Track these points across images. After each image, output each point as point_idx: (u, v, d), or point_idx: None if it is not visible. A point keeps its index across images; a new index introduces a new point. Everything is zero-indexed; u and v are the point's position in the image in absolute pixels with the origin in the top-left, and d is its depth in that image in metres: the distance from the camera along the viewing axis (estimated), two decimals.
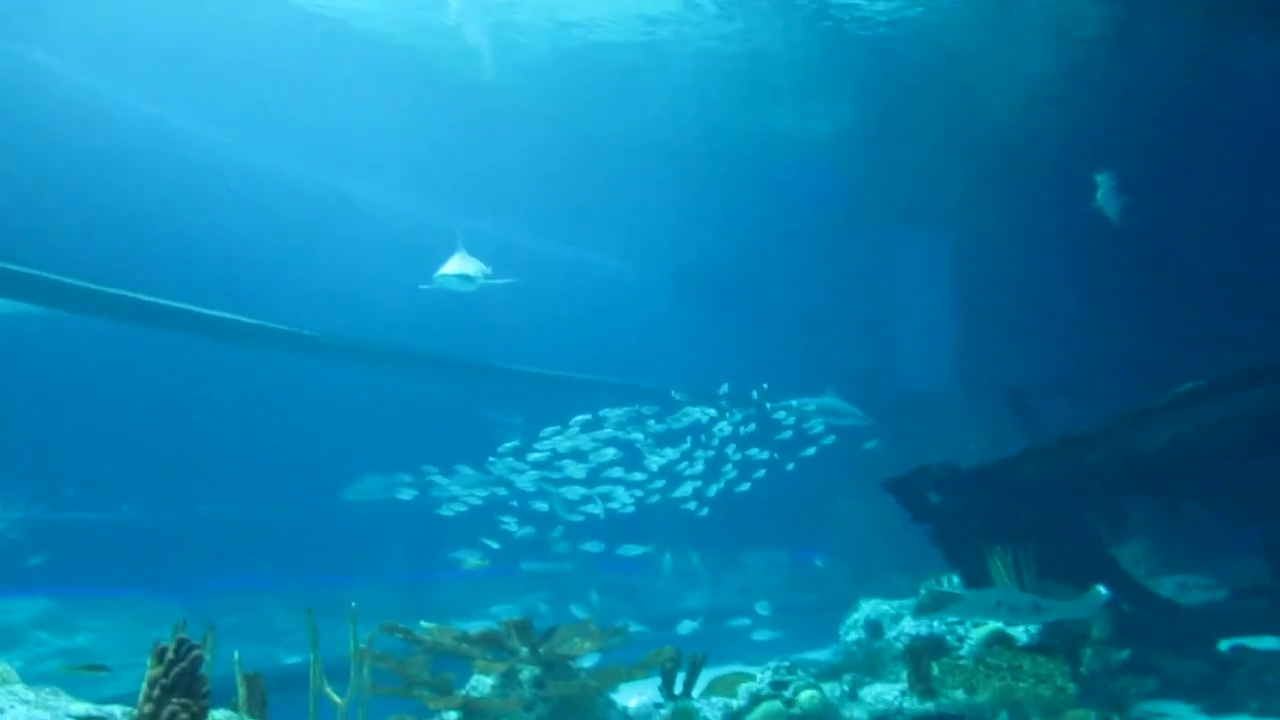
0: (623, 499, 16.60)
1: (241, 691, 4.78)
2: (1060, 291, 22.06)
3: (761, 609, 16.46)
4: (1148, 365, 17.41)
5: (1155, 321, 19.97)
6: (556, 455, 15.09)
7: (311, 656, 4.90)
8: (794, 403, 17.48)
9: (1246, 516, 11.60)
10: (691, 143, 21.46)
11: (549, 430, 15.09)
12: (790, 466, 17.22)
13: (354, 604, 4.98)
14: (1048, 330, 21.58)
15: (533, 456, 15.35)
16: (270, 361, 22.78)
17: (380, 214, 24.68)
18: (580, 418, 15.07)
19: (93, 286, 15.29)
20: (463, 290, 13.20)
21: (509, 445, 15.35)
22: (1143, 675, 9.60)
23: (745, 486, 17.68)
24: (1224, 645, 11.01)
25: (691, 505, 17.40)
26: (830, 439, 17.81)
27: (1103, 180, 16.40)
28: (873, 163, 21.64)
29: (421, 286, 13.46)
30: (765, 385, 16.03)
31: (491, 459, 15.54)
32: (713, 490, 17.61)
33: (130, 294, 15.90)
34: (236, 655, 4.80)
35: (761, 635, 15.94)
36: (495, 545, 17.99)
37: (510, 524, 16.08)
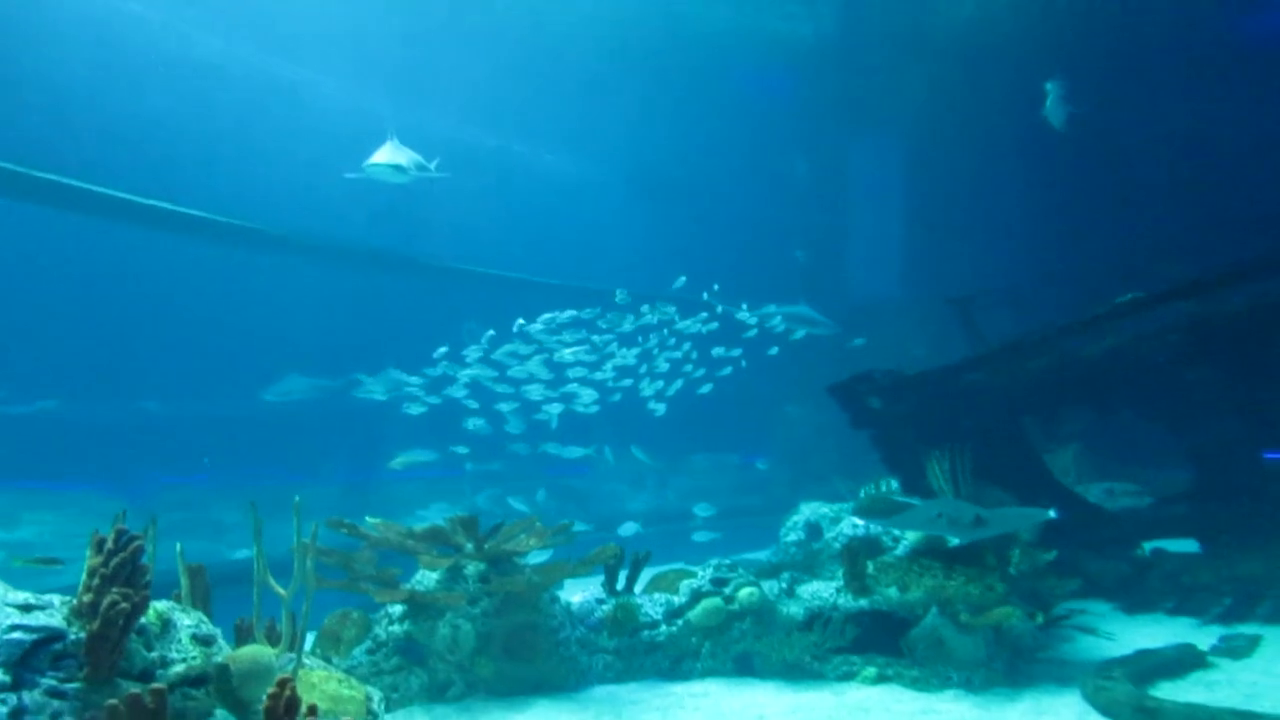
0: (572, 400, 16.66)
1: (184, 583, 4.77)
2: (1007, 201, 22.21)
3: (700, 510, 16.75)
4: (1092, 276, 17.71)
5: (1100, 232, 20.25)
6: (506, 357, 15.03)
7: (255, 549, 4.89)
8: (771, 308, 17.56)
9: (1175, 425, 11.96)
10: (653, 38, 20.98)
11: (487, 334, 15.01)
12: (739, 365, 17.35)
13: (298, 497, 4.95)
14: (994, 240, 21.81)
15: (480, 357, 15.27)
16: (214, 256, 22.26)
17: (325, 106, 23.92)
18: (546, 316, 14.96)
19: (25, 171, 14.61)
20: (394, 180, 12.82)
21: (443, 351, 15.18)
22: (1067, 576, 9.96)
23: (699, 389, 17.86)
24: (1146, 548, 11.49)
25: (637, 407, 17.56)
26: (774, 349, 17.99)
27: (1051, 88, 16.38)
28: (839, 66, 21.39)
29: (348, 175, 13.04)
30: (715, 287, 16.00)
31: (442, 359, 15.38)
32: (659, 392, 17.76)
33: (66, 180, 15.24)
34: (179, 547, 4.77)
35: (702, 537, 16.25)
36: (452, 447, 18.12)
37: (460, 425, 16.08)
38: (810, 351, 19.88)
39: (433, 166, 13.26)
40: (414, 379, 15.60)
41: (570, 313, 14.94)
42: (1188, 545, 11.26)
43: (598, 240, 30.25)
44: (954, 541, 9.53)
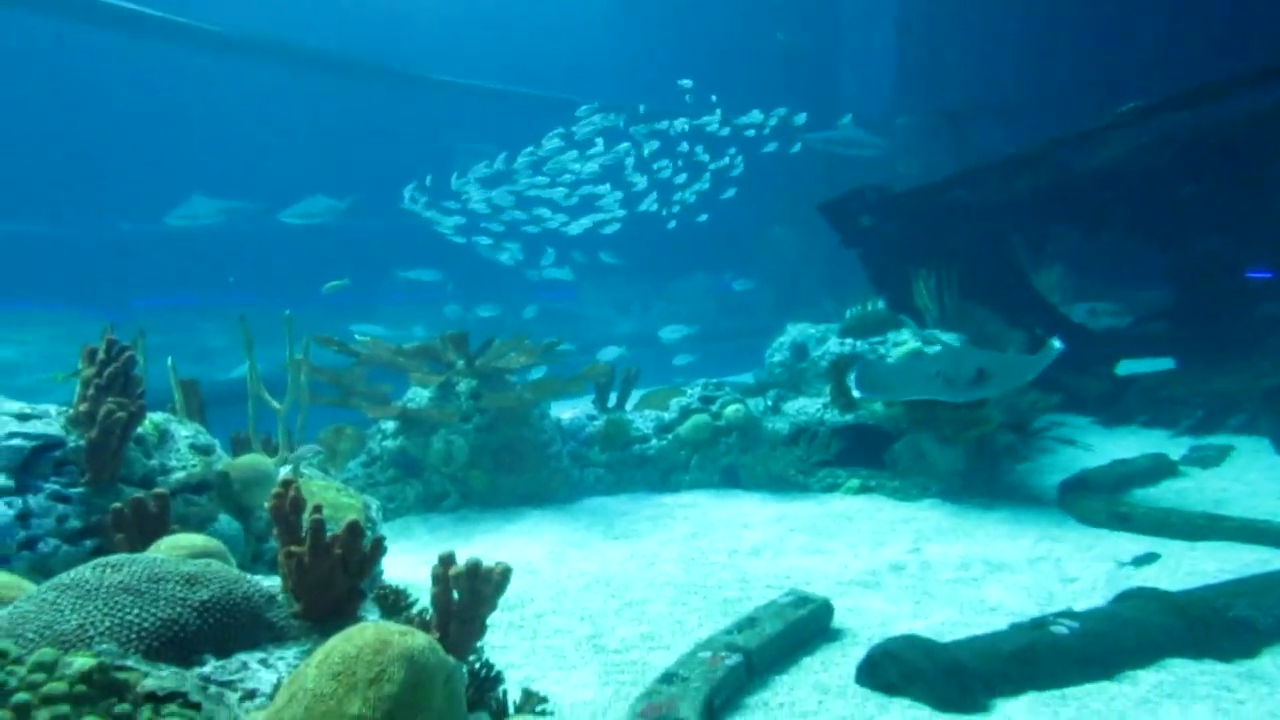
0: (563, 220, 16.48)
1: (178, 397, 4.77)
2: (1001, 8, 21.27)
3: (668, 333, 16.80)
4: (1085, 90, 17.23)
5: (1094, 44, 19.55)
6: (502, 174, 14.74)
7: (248, 362, 4.87)
8: (814, 136, 16.98)
9: (1163, 243, 11.94)
10: None
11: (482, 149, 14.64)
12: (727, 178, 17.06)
13: (288, 312, 4.89)
14: (987, 50, 21.00)
15: (480, 176, 14.98)
16: (191, 67, 21.40)
17: None
18: (551, 139, 14.57)
19: None
20: None
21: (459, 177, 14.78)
22: (1049, 392, 10.16)
23: (692, 216, 17.64)
24: (1125, 366, 11.68)
25: (623, 228, 17.36)
26: (737, 170, 17.61)
27: None
28: None
29: None
30: (714, 98, 15.47)
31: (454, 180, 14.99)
32: (645, 211, 17.54)
33: None
34: (170, 361, 4.74)
35: (681, 360, 16.41)
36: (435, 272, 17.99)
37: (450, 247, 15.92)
38: (799, 171, 19.54)
39: None
40: (340, 204, 15.01)
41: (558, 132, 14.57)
42: (1164, 363, 11.45)
43: (570, 37, 29.31)
44: (949, 400, 9.67)
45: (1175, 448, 9.21)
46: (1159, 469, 8.47)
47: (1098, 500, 7.19)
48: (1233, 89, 10.17)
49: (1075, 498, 7.36)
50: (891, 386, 8.01)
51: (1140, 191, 11.29)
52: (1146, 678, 4.19)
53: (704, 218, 17.48)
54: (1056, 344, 7.45)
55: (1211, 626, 4.42)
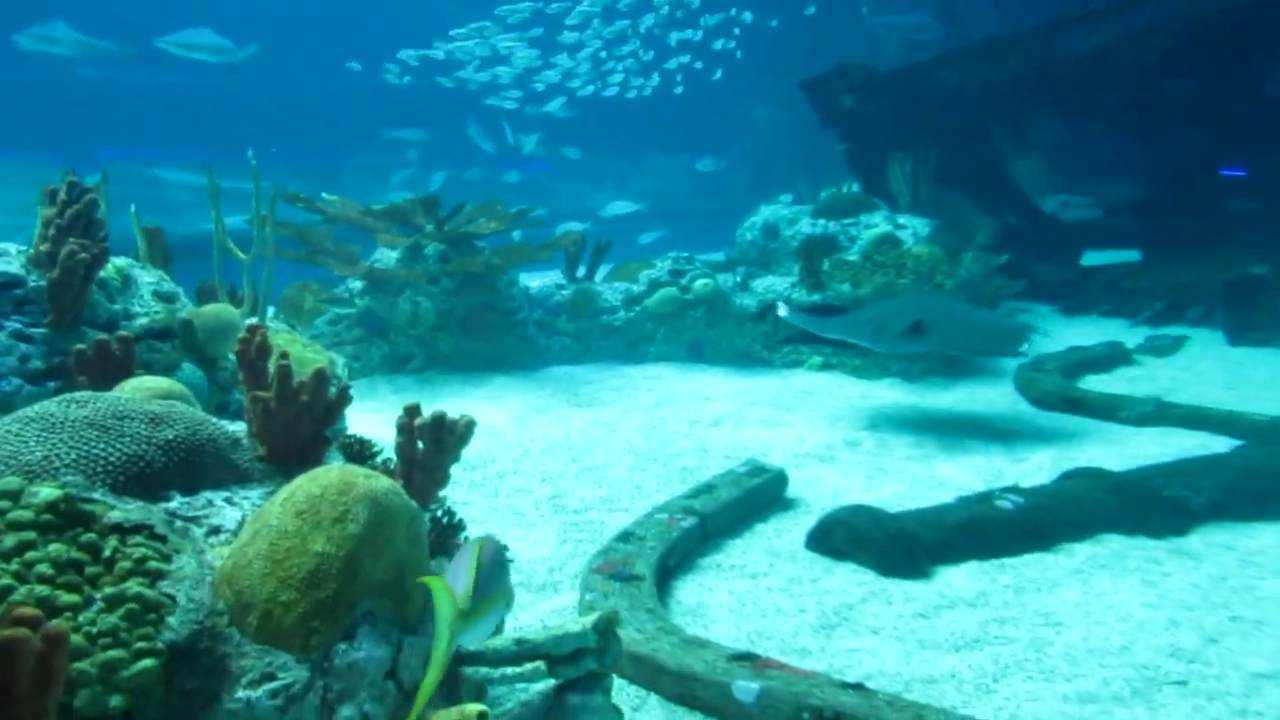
0: (537, 100, 16.11)
1: (141, 244, 4.70)
2: None
3: (617, 208, 16.63)
4: None
5: None
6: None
7: (213, 212, 4.79)
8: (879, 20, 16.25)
9: (1141, 136, 11.90)
10: None
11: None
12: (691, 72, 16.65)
13: (253, 157, 4.78)
14: None
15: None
16: None
17: None
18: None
19: None
20: None
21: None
22: (1016, 278, 10.28)
23: (642, 92, 17.24)
24: (1091, 257, 11.77)
25: (600, 103, 17.03)
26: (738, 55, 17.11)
27: None
28: None
29: None
30: None
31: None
32: (623, 88, 17.19)
33: None
34: (133, 208, 4.65)
35: (647, 237, 16.31)
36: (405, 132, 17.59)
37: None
38: (782, 50, 19.11)
39: None
40: (233, 47, 14.02)
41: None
42: (1132, 255, 11.53)
43: None
44: (908, 240, 9.69)
45: (1133, 337, 9.40)
46: (1114, 356, 8.67)
47: (1052, 384, 7.36)
48: None
49: (1030, 381, 7.53)
50: (829, 325, 7.07)
51: (1124, 82, 11.20)
52: (1082, 550, 4.39)
53: (680, 90, 17.10)
54: (1024, 348, 6.52)
55: (1147, 505, 4.61)
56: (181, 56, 13.07)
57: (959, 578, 4.13)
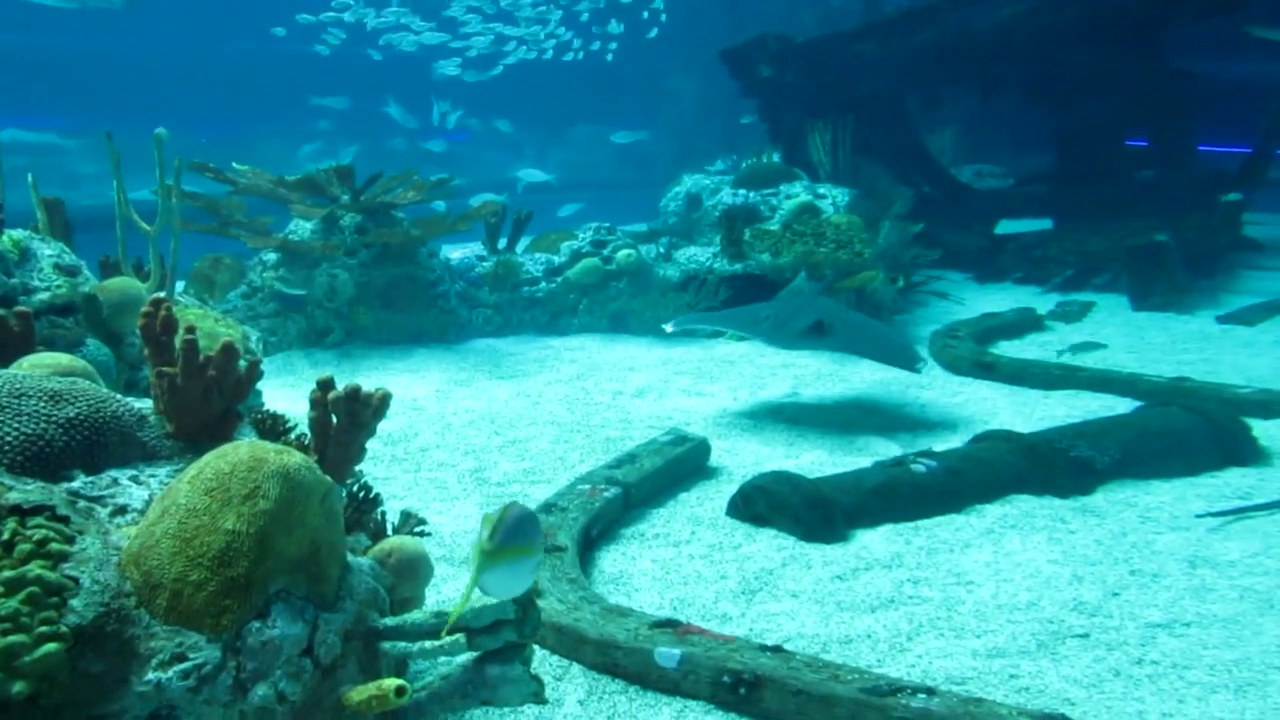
0: (452, 63, 15.83)
1: (40, 216, 4.50)
2: None
3: (527, 175, 16.53)
4: None
5: None
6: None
7: (115, 181, 4.62)
8: None
9: (1053, 105, 12.19)
10: None
11: None
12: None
13: (161, 130, 4.61)
14: None
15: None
16: None
17: None
18: None
19: None
20: None
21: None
22: (929, 248, 10.48)
23: (576, 56, 17.09)
24: (1004, 225, 12.07)
25: (520, 72, 16.83)
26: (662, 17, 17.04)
27: None
28: None
29: None
30: None
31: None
32: (539, 56, 17.00)
33: None
34: (30, 178, 4.46)
35: (567, 209, 16.25)
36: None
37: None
38: (699, 19, 19.10)
39: None
40: None
41: None
42: (1043, 224, 11.85)
43: None
44: (828, 209, 9.80)
45: (1044, 304, 9.69)
46: (1025, 322, 8.92)
47: (965, 350, 7.54)
48: None
49: (944, 347, 7.70)
50: (725, 318, 6.78)
51: (1034, 53, 11.45)
52: (993, 511, 4.52)
53: (603, 58, 16.99)
54: (919, 369, 6.01)
55: (1055, 466, 4.77)
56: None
57: (875, 540, 4.23)
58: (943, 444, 5.34)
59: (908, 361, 5.93)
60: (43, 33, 19.36)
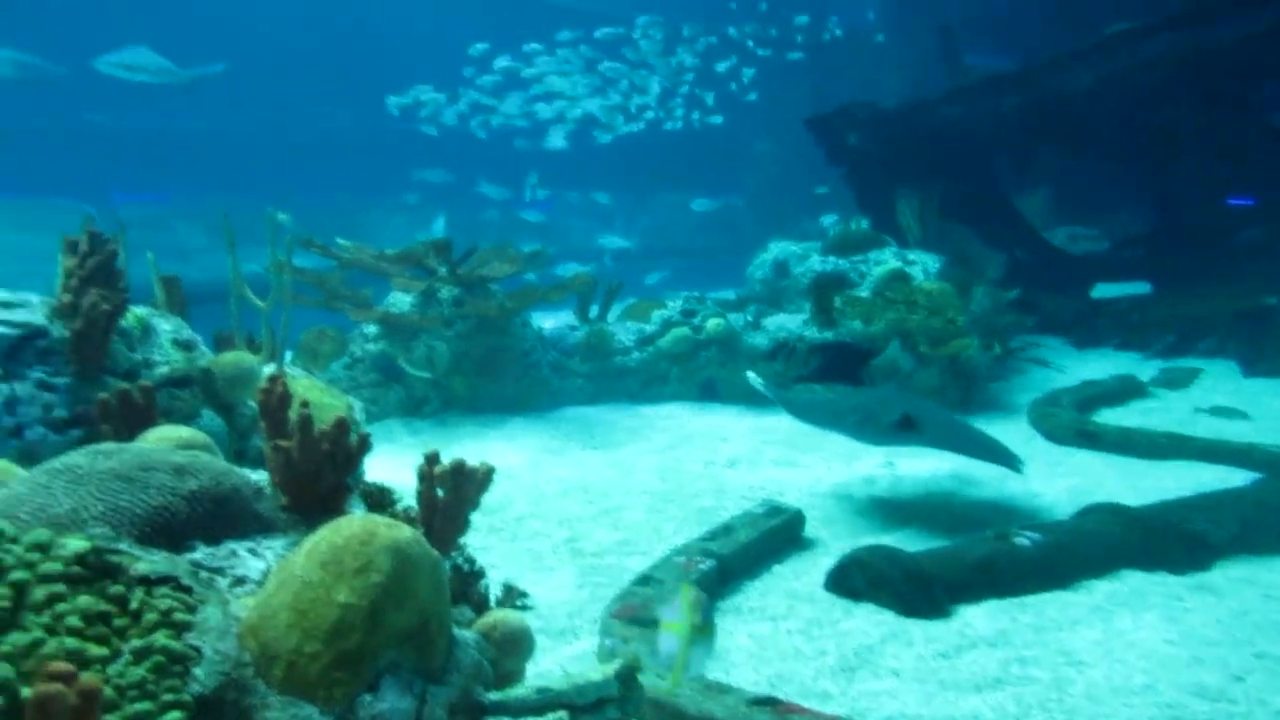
0: (552, 135, 16.29)
1: (159, 292, 4.75)
2: None
3: (609, 242, 16.75)
4: (1075, 10, 16.93)
5: None
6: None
7: (230, 261, 4.85)
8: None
9: (1146, 167, 11.97)
10: None
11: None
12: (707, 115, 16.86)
13: (272, 209, 4.84)
14: None
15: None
16: None
17: None
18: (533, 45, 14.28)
19: None
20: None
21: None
22: (1026, 313, 10.29)
23: (669, 126, 17.44)
24: (1101, 289, 11.81)
25: (608, 140, 17.21)
26: (752, 95, 17.25)
27: None
28: None
29: None
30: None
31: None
32: (629, 128, 17.37)
33: None
34: (151, 256, 4.71)
35: (653, 278, 16.42)
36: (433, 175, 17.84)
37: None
38: (784, 87, 19.32)
39: None
40: (177, 69, 13.74)
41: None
42: (1140, 287, 11.57)
43: None
44: (919, 276, 9.71)
45: (1145, 370, 9.39)
46: (1128, 390, 8.65)
47: (1066, 418, 7.34)
48: (1221, 12, 10.11)
49: (1044, 415, 7.51)
50: (808, 409, 6.32)
51: (1127, 114, 11.28)
52: (1102, 587, 4.36)
53: (678, 126, 17.30)
54: (1021, 469, 5.41)
55: (1167, 540, 4.58)
56: (122, 78, 12.77)
57: (979, 617, 4.10)
58: (1046, 517, 5.18)
59: (1008, 460, 5.43)
60: (151, 113, 20.58)
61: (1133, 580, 4.42)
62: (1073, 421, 7.27)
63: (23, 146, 19.37)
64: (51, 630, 1.92)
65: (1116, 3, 12.19)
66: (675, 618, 1.96)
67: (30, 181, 18.05)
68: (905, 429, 5.45)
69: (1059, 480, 6.17)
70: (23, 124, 19.68)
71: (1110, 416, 7.83)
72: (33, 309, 3.59)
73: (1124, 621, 4.02)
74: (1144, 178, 12.55)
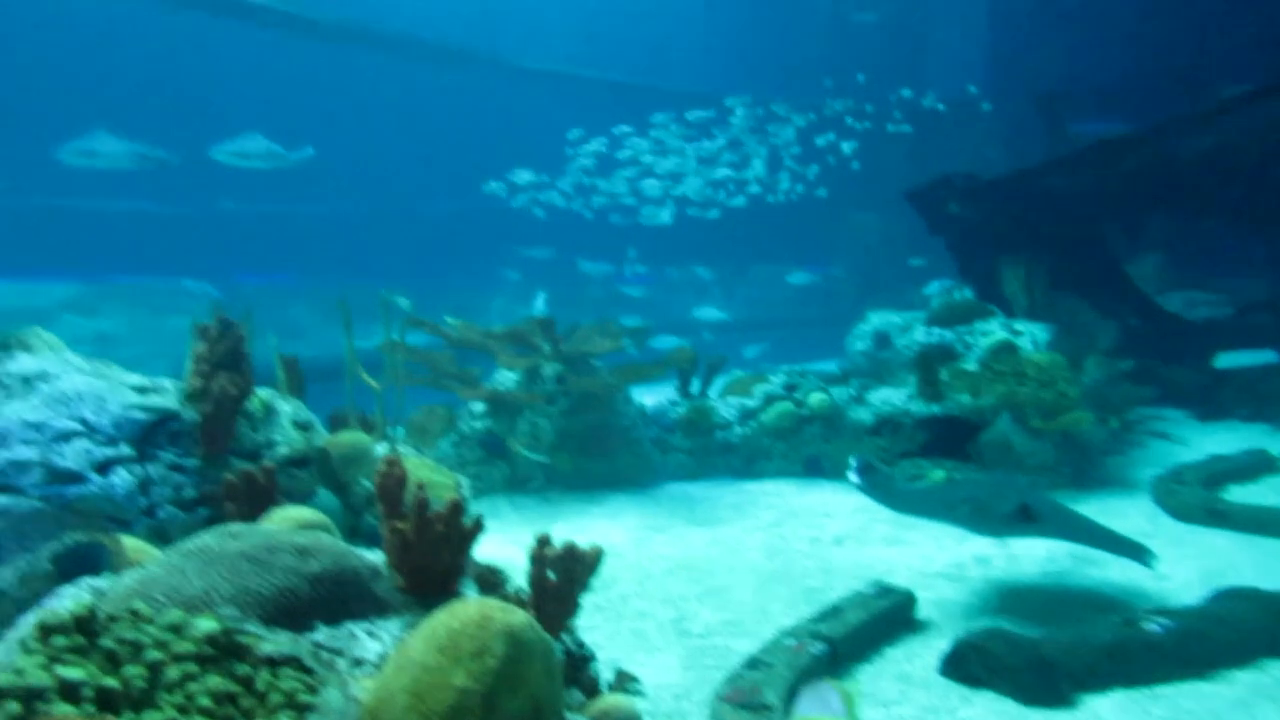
0: (651, 210, 16.63)
1: (280, 374, 4.96)
2: None
3: (703, 314, 16.81)
4: (1189, 72, 16.53)
5: (1201, 23, 18.73)
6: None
7: (346, 342, 5.04)
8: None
9: (1265, 231, 11.52)
10: None
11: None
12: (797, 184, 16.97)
13: (385, 292, 5.04)
14: (1086, 31, 20.23)
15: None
16: (290, 50, 22.09)
17: None
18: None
19: None
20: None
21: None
22: (1143, 384, 9.90)
23: (770, 197, 17.61)
24: (1225, 359, 11.28)
25: (707, 214, 17.43)
26: (855, 164, 17.32)
27: None
28: None
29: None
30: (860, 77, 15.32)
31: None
32: (727, 201, 17.56)
33: None
34: (274, 339, 4.94)
35: (751, 351, 16.37)
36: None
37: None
38: (884, 157, 19.30)
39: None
40: (284, 151, 14.19)
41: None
42: (1266, 355, 11.02)
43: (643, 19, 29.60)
44: (1027, 346, 9.46)
45: (1276, 443, 8.89)
46: (1259, 465, 8.20)
47: (1194, 495, 7.00)
48: None
49: (1170, 492, 7.17)
50: (914, 501, 6.01)
51: (1247, 177, 10.90)
52: (1242, 678, 4.10)
53: (779, 199, 17.44)
54: (1152, 563, 4.98)
55: None
56: (237, 165, 13.49)
57: (1107, 708, 3.90)
58: (1175, 601, 4.92)
59: (1136, 553, 4.98)
60: (260, 199, 21.78)
61: (1276, 671, 4.15)
62: (1200, 499, 6.92)
63: (154, 232, 20.62)
64: (184, 710, 1.98)
65: (1225, 67, 11.93)
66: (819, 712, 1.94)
67: (160, 264, 19.15)
68: (1023, 520, 5.14)
69: (1188, 562, 5.86)
70: (154, 210, 21.01)
71: (1240, 494, 7.43)
72: (167, 394, 3.79)
73: (1269, 715, 3.77)
74: (1268, 241, 12.06)
